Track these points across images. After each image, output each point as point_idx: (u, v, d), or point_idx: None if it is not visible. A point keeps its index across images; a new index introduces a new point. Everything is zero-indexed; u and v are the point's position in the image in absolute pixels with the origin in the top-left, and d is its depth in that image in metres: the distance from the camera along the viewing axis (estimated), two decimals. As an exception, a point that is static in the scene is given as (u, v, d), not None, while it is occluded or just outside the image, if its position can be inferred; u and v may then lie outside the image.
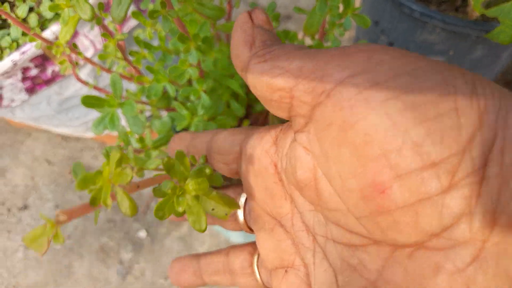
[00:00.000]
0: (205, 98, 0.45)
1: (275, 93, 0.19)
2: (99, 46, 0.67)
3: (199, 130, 0.46)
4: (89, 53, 0.66)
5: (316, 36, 0.52)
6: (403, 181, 0.15)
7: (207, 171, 0.22)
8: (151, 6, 0.37)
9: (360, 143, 0.16)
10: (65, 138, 1.05)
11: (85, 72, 0.68)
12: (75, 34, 0.64)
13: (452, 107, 0.15)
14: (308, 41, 1.09)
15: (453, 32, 0.69)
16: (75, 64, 0.51)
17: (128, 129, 0.48)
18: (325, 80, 0.17)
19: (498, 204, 0.14)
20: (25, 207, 0.94)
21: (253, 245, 0.27)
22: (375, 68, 0.16)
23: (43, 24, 0.73)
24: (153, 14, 0.34)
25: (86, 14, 0.39)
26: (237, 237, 0.75)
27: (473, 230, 0.14)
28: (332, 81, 0.17)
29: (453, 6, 0.80)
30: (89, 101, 0.42)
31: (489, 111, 0.15)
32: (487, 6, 0.72)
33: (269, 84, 0.19)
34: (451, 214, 0.14)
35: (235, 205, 0.22)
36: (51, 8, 0.39)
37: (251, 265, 0.26)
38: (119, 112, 0.44)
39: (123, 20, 0.33)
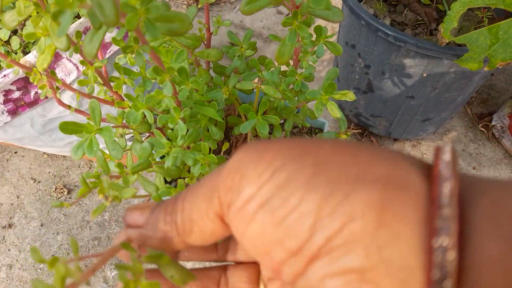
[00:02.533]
0: (182, 126, 0.46)
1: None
2: (83, 67, 0.68)
3: (178, 160, 0.47)
4: (72, 76, 0.67)
5: (291, 63, 0.54)
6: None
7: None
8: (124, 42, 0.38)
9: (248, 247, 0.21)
10: (51, 156, 1.06)
11: (68, 95, 0.69)
12: (58, 57, 0.66)
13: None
14: (284, 67, 1.12)
15: (427, 56, 0.72)
16: (56, 89, 0.52)
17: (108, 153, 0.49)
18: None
19: None
20: (9, 225, 0.94)
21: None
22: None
23: (26, 46, 0.74)
24: (126, 50, 0.36)
25: (61, 44, 0.40)
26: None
27: None
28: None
29: (427, 29, 0.83)
30: (67, 128, 0.44)
31: None
32: (459, 31, 0.76)
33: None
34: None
35: (191, 277, 0.24)
36: (27, 37, 0.40)
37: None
38: (99, 137, 0.45)
39: (96, 55, 0.35)
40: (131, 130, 0.58)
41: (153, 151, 0.52)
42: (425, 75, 0.76)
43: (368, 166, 0.18)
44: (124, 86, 0.58)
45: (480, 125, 1.08)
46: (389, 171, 0.18)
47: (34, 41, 0.81)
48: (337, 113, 0.48)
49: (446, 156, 0.17)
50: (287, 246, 0.18)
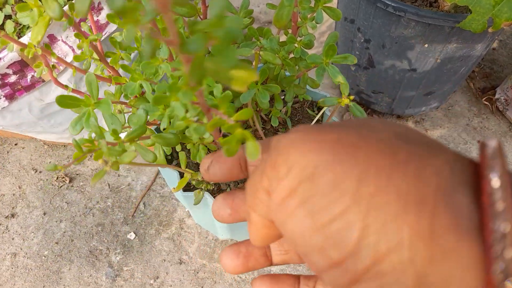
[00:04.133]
0: (180, 94, 0.45)
1: None
2: (79, 51, 0.67)
3: (174, 121, 0.46)
4: (68, 58, 0.66)
5: (290, 31, 0.53)
6: None
7: None
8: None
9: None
10: (52, 146, 1.05)
11: (65, 78, 0.68)
12: (54, 39, 0.65)
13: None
14: (283, 37, 1.10)
15: (427, 25, 0.70)
16: (52, 68, 0.51)
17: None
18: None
19: None
20: (12, 215, 0.93)
21: None
22: None
23: (21, 31, 0.73)
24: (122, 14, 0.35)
25: (54, 12, 0.39)
26: (225, 234, 0.76)
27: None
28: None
29: (427, 1, 0.81)
30: (64, 101, 0.43)
31: None
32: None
33: None
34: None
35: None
36: (19, 8, 0.39)
37: None
38: (98, 113, 0.44)
39: (87, 12, 0.34)
40: (130, 109, 0.57)
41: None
42: (426, 45, 0.75)
43: (416, 180, 0.16)
44: (120, 62, 0.57)
45: (484, 99, 1.07)
46: (438, 187, 0.16)
47: (28, 27, 0.80)
48: (339, 77, 0.47)
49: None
50: (328, 255, 0.17)
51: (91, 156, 1.01)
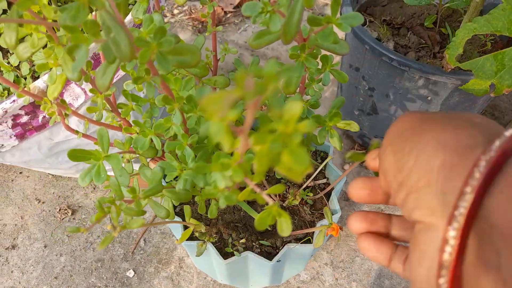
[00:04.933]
0: (189, 152, 0.47)
1: None
2: (90, 93, 0.69)
3: (188, 182, 0.47)
4: (80, 100, 0.68)
5: (297, 91, 0.55)
6: None
7: None
8: (135, 73, 0.39)
9: None
10: (56, 176, 1.06)
11: (75, 118, 0.70)
12: (67, 82, 0.66)
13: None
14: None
15: (431, 80, 0.72)
16: (64, 116, 0.53)
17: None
18: None
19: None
20: (13, 246, 0.93)
21: None
22: None
23: (35, 71, 0.75)
24: (137, 81, 0.37)
25: (73, 75, 0.41)
26: (224, 280, 0.76)
27: None
28: None
29: (431, 52, 0.84)
30: (75, 155, 0.44)
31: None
32: (463, 54, 0.76)
33: None
34: None
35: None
36: (39, 67, 0.41)
37: None
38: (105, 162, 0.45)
39: (108, 87, 0.35)
40: (137, 155, 0.58)
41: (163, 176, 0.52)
42: (429, 98, 0.77)
43: (453, 137, 0.25)
44: (131, 112, 0.59)
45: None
46: (464, 139, 0.25)
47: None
48: (337, 144, 0.48)
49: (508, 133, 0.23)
50: (397, 178, 0.27)
51: (94, 188, 1.01)
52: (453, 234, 0.22)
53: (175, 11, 1.60)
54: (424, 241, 0.25)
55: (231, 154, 0.29)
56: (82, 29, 0.29)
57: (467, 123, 0.26)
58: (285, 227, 0.30)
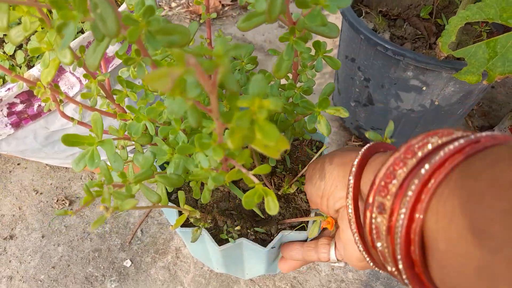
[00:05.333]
0: (182, 137, 0.47)
1: None
2: (85, 81, 0.69)
3: (179, 166, 0.47)
4: (75, 89, 0.68)
5: (290, 77, 0.55)
6: None
7: None
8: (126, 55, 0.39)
9: None
10: (53, 167, 1.06)
11: (71, 107, 0.70)
12: (62, 71, 0.67)
13: None
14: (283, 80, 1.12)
15: (426, 69, 0.72)
16: (59, 102, 0.53)
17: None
18: None
19: None
20: (11, 237, 0.94)
21: None
22: None
23: (30, 60, 0.75)
24: (128, 62, 0.37)
25: (66, 58, 0.41)
26: (220, 268, 0.76)
27: None
28: None
29: (427, 43, 0.84)
30: (69, 140, 0.44)
31: None
32: (458, 45, 0.76)
33: None
34: None
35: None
36: (32, 51, 0.41)
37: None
38: (100, 149, 0.46)
39: (98, 66, 0.36)
40: (133, 142, 0.59)
41: (155, 161, 0.53)
42: (424, 88, 0.77)
43: (339, 159, 0.46)
44: (126, 99, 0.59)
45: (481, 138, 1.08)
46: (346, 158, 0.46)
47: (38, 56, 0.82)
48: (325, 130, 0.48)
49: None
50: (319, 194, 0.46)
51: (91, 179, 1.02)
52: (350, 202, 0.39)
53: (173, 4, 1.60)
54: (344, 214, 0.44)
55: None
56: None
57: (345, 151, 0.47)
58: (272, 206, 0.30)
